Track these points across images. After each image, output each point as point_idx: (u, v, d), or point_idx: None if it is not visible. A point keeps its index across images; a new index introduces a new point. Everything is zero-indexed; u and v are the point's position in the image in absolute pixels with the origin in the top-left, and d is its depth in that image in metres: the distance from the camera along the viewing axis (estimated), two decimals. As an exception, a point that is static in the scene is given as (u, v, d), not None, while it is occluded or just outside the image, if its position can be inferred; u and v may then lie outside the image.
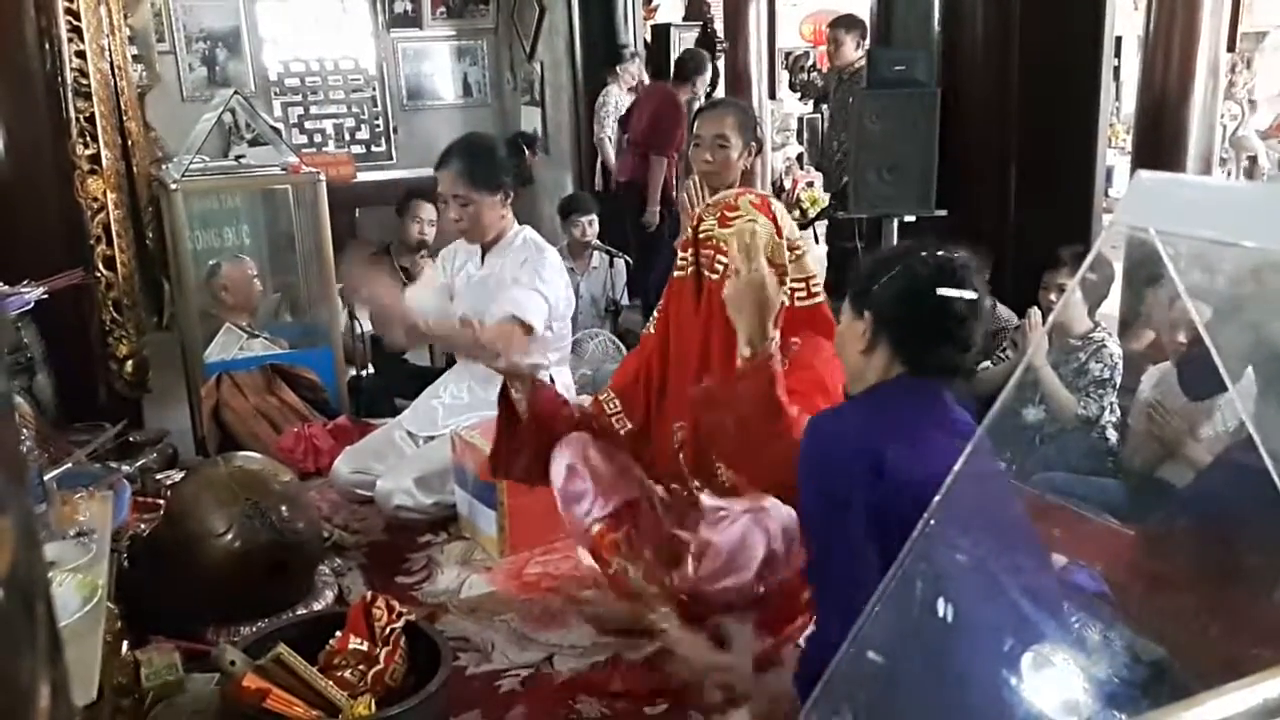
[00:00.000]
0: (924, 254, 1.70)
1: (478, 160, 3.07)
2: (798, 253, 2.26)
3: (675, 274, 2.36)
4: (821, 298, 2.29)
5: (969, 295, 1.65)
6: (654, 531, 2.31)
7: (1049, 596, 1.10)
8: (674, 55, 6.36)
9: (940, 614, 0.98)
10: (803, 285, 2.26)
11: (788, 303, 2.17)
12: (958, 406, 1.73)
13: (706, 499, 2.09)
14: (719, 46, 6.54)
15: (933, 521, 0.96)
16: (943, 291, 1.63)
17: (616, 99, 6.27)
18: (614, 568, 2.32)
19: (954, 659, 1.04)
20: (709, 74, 6.12)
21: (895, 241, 4.02)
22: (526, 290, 2.98)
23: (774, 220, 2.23)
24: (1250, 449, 0.83)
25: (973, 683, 1.05)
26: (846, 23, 5.47)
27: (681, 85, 5.87)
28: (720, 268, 2.21)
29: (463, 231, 3.14)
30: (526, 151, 3.28)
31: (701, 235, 2.28)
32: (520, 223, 3.22)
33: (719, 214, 2.26)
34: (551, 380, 3.22)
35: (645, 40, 7.15)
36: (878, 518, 1.53)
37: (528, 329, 2.89)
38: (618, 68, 6.35)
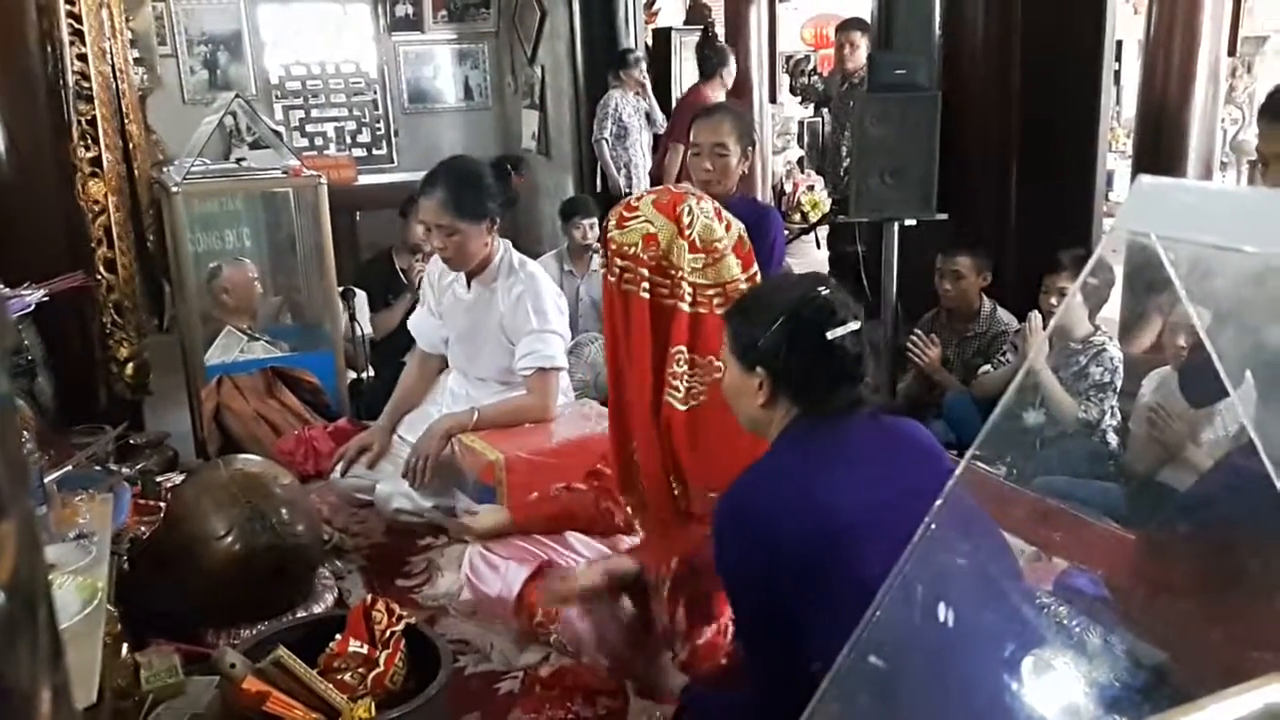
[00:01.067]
0: (798, 296, 1.68)
1: (464, 188, 2.97)
2: (715, 256, 2.12)
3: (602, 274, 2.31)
4: None
5: (853, 328, 1.66)
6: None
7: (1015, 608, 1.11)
8: (675, 59, 6.39)
9: (940, 619, 0.98)
10: (719, 291, 2.11)
11: (691, 310, 2.09)
12: (885, 420, 1.75)
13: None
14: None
15: (934, 526, 0.95)
16: (832, 335, 1.63)
17: (618, 103, 6.28)
18: (538, 617, 2.32)
19: (954, 664, 1.04)
20: (733, 65, 6.18)
21: (904, 250, 4.03)
22: (541, 336, 3.00)
23: (676, 221, 2.11)
24: (1251, 454, 0.83)
25: (973, 688, 1.05)
26: (859, 25, 5.46)
27: (709, 82, 5.95)
28: (618, 271, 2.15)
29: (446, 260, 3.08)
30: (512, 174, 3.22)
31: (607, 235, 2.20)
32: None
33: (619, 214, 2.18)
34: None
35: (646, 44, 7.16)
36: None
37: (555, 375, 3.02)
38: (621, 73, 6.34)
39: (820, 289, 1.69)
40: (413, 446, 3.04)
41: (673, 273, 2.10)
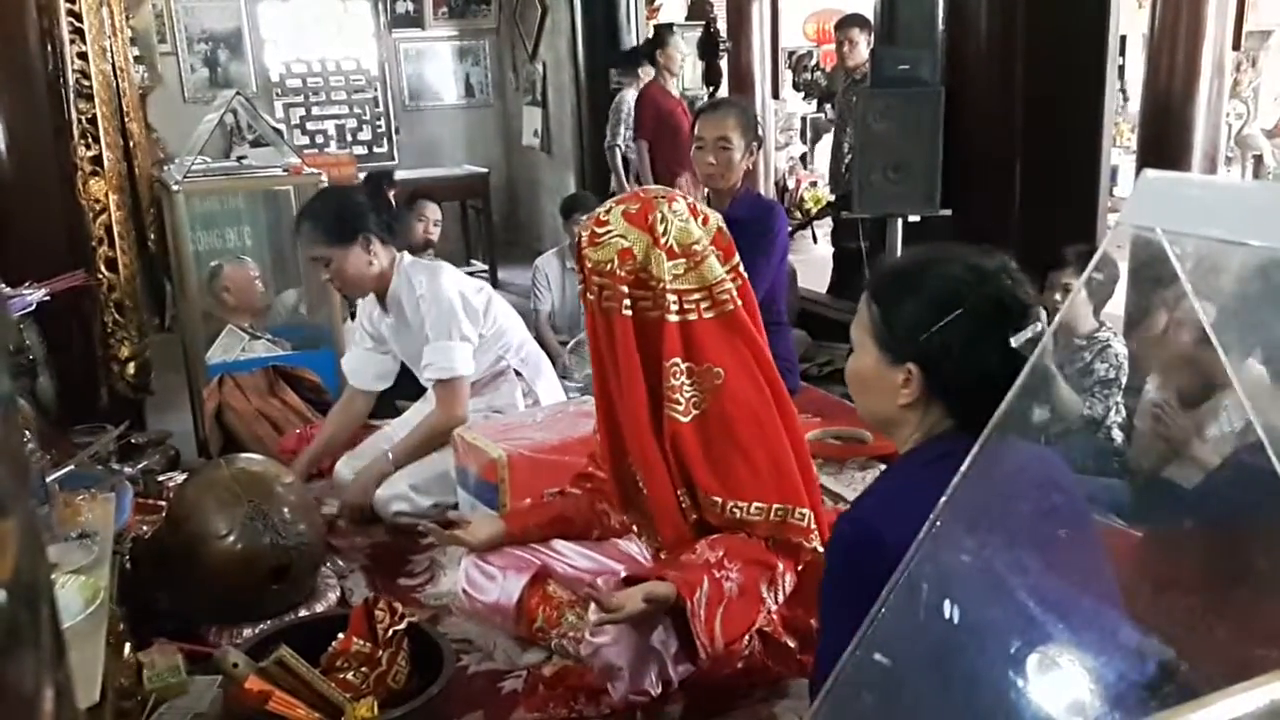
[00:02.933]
0: (981, 284, 1.40)
1: (328, 216, 2.99)
2: (695, 259, 2.04)
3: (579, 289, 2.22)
4: (733, 305, 2.07)
5: (1038, 330, 1.37)
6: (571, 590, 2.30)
7: (1059, 599, 1.09)
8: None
9: (947, 615, 0.97)
10: (704, 295, 2.04)
11: (679, 319, 2.03)
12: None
13: (592, 615, 1.98)
14: (722, 46, 6.54)
15: (939, 523, 0.95)
16: (1016, 341, 1.35)
17: (629, 105, 6.13)
18: (539, 623, 2.30)
19: (960, 661, 1.03)
20: (674, 50, 6.08)
21: (907, 246, 4.01)
22: (437, 347, 3.00)
23: (650, 231, 2.02)
24: (1258, 450, 0.82)
25: (979, 684, 1.05)
26: (859, 21, 5.45)
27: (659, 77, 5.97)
28: (596, 289, 2.06)
29: (338, 289, 3.11)
30: (385, 186, 3.19)
31: (581, 251, 2.10)
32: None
33: (590, 230, 2.07)
34: (519, 375, 3.22)
35: (648, 39, 7.15)
36: None
37: (457, 384, 3.01)
38: (638, 70, 6.11)
39: (1004, 274, 1.43)
40: (341, 498, 3.09)
41: (653, 284, 2.03)
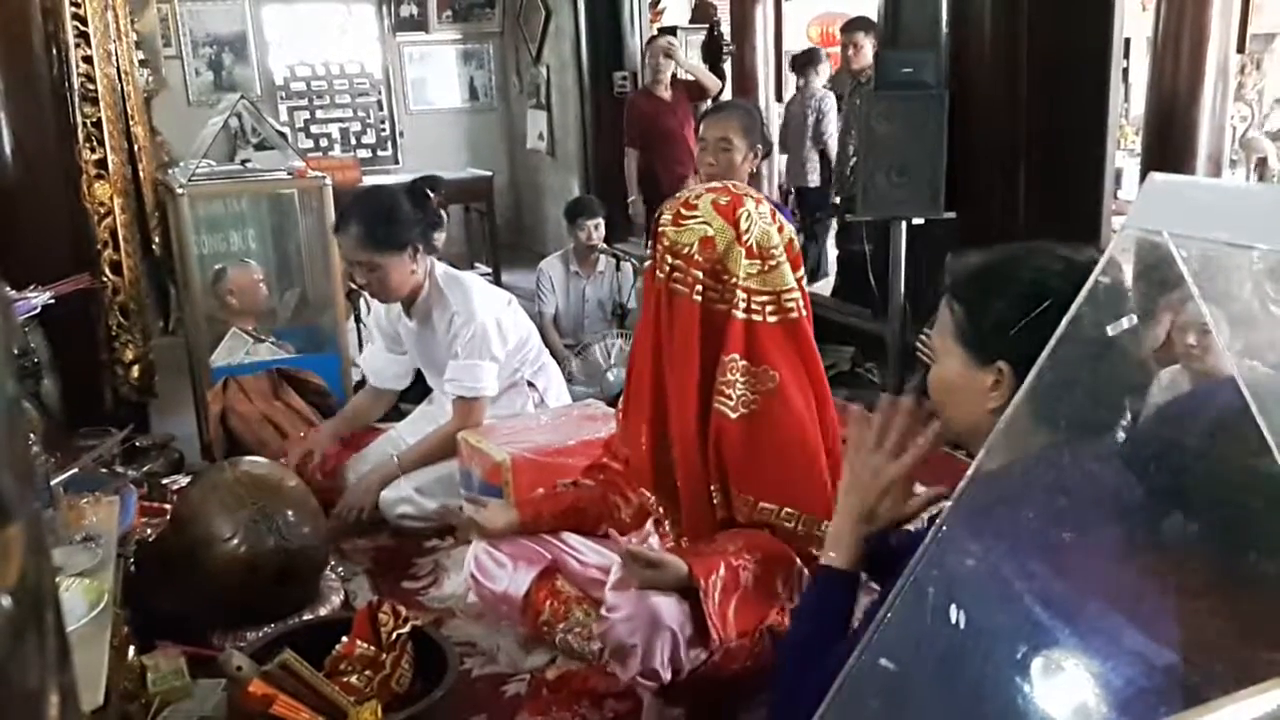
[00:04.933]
0: (1065, 271, 1.33)
1: (377, 221, 2.93)
2: (771, 263, 2.05)
3: (646, 266, 2.21)
4: (798, 314, 2.08)
5: (1133, 321, 1.27)
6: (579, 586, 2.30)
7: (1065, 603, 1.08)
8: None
9: (952, 620, 0.97)
10: (772, 299, 2.05)
11: (745, 317, 2.04)
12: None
13: (610, 595, 1.98)
14: (725, 49, 6.54)
15: (945, 528, 0.95)
16: (1112, 330, 1.24)
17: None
18: (545, 616, 2.29)
19: (966, 665, 1.03)
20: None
21: (912, 250, 3.99)
22: (466, 366, 2.99)
23: (735, 225, 2.04)
24: (1265, 453, 0.82)
25: (984, 689, 1.04)
26: (864, 25, 5.45)
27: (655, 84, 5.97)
28: (668, 268, 2.07)
29: (374, 295, 3.07)
30: (431, 196, 3.16)
31: (660, 229, 2.11)
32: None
33: (676, 210, 2.09)
34: (532, 385, 3.24)
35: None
36: None
37: (480, 403, 3.03)
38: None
39: (1080, 257, 1.36)
40: (344, 497, 3.07)
41: (726, 278, 2.03)
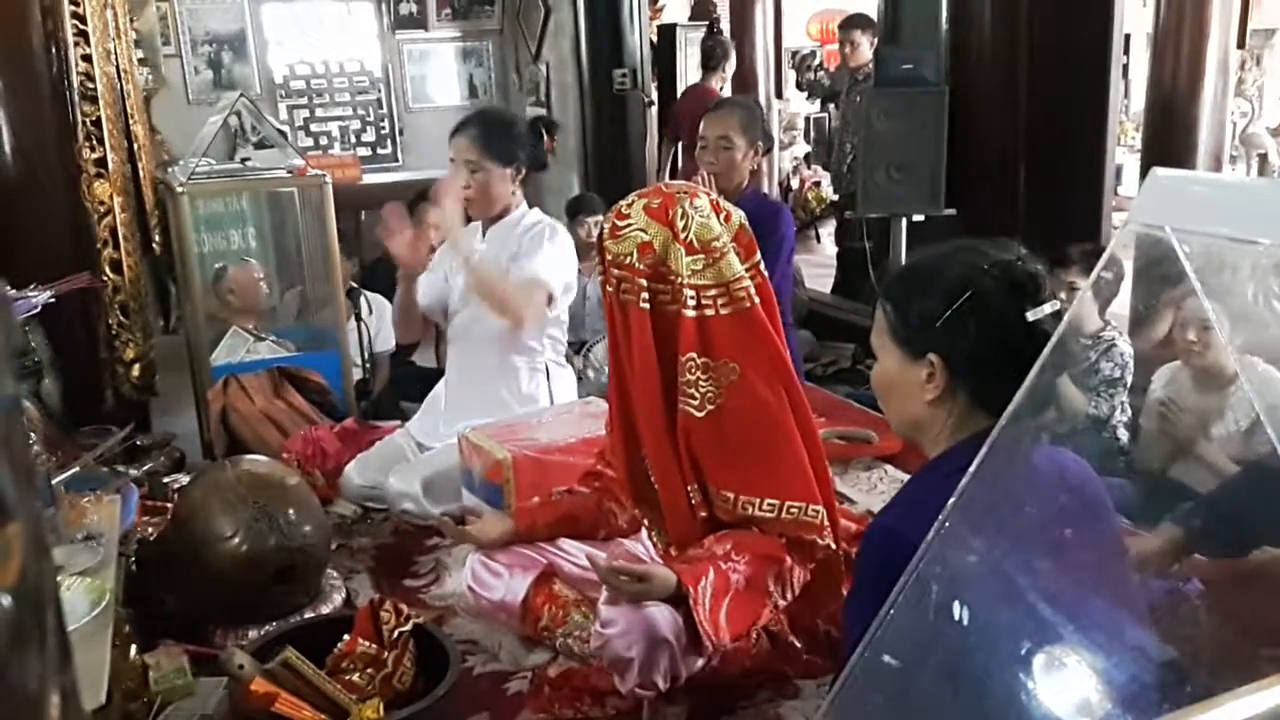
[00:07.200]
0: (989, 264, 1.39)
1: (494, 130, 3.05)
2: (714, 255, 2.03)
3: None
4: (750, 303, 2.06)
5: (1055, 306, 1.36)
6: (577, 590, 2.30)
7: (1068, 599, 1.08)
8: (680, 55, 6.36)
9: (955, 616, 0.97)
10: (722, 291, 2.03)
11: (696, 314, 2.03)
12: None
13: (603, 610, 1.97)
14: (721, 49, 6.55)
15: (947, 524, 0.95)
16: (1033, 315, 1.34)
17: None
18: (544, 621, 2.30)
19: (969, 661, 1.03)
20: (734, 59, 6.15)
21: (912, 246, 3.99)
22: (547, 264, 2.99)
23: (670, 226, 2.02)
24: (1269, 453, 0.82)
25: (987, 685, 1.04)
26: (861, 22, 5.45)
27: (710, 74, 5.93)
28: (615, 281, 2.07)
29: (469, 200, 3.07)
30: (545, 136, 3.24)
31: (601, 244, 2.12)
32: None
33: (611, 222, 2.09)
34: (548, 373, 3.22)
35: (651, 40, 7.15)
36: None
37: (548, 296, 3.00)
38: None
39: (1013, 257, 1.42)
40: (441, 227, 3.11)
41: (672, 278, 2.03)
